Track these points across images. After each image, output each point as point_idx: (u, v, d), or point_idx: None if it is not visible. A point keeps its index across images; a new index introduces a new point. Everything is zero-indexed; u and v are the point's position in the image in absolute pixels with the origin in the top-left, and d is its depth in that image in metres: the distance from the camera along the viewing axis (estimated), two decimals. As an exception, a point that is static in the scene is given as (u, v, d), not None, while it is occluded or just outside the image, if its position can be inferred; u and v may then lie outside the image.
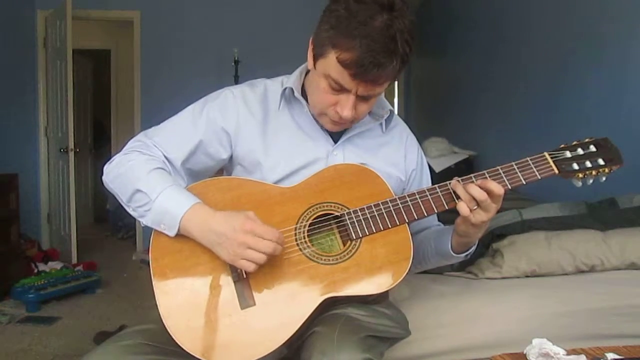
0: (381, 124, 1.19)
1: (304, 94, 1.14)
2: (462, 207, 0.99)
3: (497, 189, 0.98)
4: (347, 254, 1.01)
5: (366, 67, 0.94)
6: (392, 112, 1.19)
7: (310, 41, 1.05)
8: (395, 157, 1.20)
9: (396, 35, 0.93)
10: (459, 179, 1.03)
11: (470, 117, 4.25)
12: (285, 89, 1.13)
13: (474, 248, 1.13)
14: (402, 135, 1.23)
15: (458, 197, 1.01)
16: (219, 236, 0.94)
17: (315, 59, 1.03)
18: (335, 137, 1.14)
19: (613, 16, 2.49)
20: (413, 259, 1.05)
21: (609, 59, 2.50)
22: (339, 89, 1.00)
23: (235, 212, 0.96)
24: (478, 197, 0.98)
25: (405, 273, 1.00)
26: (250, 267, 0.92)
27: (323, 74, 1.01)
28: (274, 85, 1.17)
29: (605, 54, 2.53)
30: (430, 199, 1.04)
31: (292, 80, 1.15)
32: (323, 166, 1.11)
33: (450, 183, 1.04)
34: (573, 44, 2.81)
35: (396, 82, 5.84)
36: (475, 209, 0.99)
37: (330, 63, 0.98)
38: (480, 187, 0.98)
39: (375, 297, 1.07)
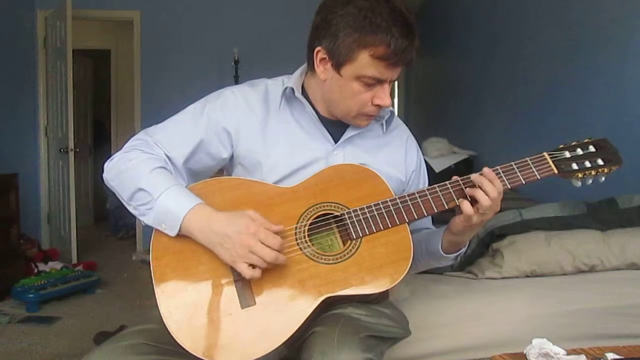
0: (382, 125, 1.19)
1: (304, 94, 1.14)
2: (466, 206, 1.00)
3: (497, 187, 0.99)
4: (347, 253, 1.01)
5: (404, 50, 0.98)
6: (392, 113, 1.20)
7: (317, 52, 1.05)
8: (396, 157, 1.20)
9: (402, 8, 0.98)
10: (459, 178, 1.04)
11: (470, 117, 4.25)
12: (285, 88, 1.13)
13: (464, 249, 1.14)
14: (402, 137, 1.24)
15: (459, 197, 1.02)
16: (221, 237, 0.94)
17: (338, 67, 1.03)
18: (336, 137, 1.15)
19: (613, 16, 2.49)
20: None
21: (609, 60, 2.50)
22: (374, 83, 1.03)
23: (237, 213, 0.96)
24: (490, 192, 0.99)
25: (406, 272, 1.00)
26: (249, 272, 0.92)
27: (354, 76, 1.02)
28: (275, 85, 1.17)
29: (605, 55, 2.53)
30: (430, 199, 1.04)
31: (292, 80, 1.15)
32: (323, 166, 1.11)
33: (450, 182, 1.04)
34: (573, 44, 2.81)
35: (396, 82, 5.83)
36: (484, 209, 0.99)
37: (363, 63, 1.00)
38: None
39: (376, 297, 1.07)
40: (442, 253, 1.11)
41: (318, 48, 1.05)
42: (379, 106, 1.06)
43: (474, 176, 1.02)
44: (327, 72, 1.06)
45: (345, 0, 1.00)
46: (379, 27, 0.96)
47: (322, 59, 1.05)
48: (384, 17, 0.96)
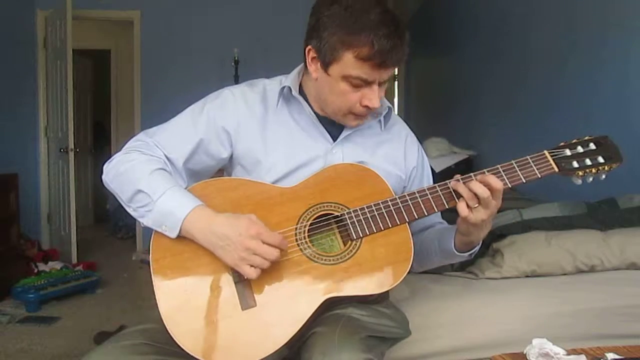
0: (380, 121, 1.19)
1: (302, 93, 1.14)
2: (462, 207, 0.99)
3: (496, 183, 0.97)
4: (348, 254, 1.01)
5: (389, 50, 0.97)
6: (390, 109, 1.20)
7: (309, 51, 1.06)
8: (395, 155, 1.20)
9: (395, 16, 0.99)
10: (460, 177, 1.03)
11: (470, 117, 4.25)
12: (283, 87, 1.13)
13: (477, 248, 1.12)
14: (401, 134, 1.23)
15: (459, 197, 1.01)
16: (222, 239, 0.94)
17: (325, 66, 1.03)
18: (334, 135, 1.14)
19: (614, 16, 2.48)
20: (416, 258, 1.06)
21: (609, 59, 2.50)
22: (361, 84, 1.02)
23: (238, 216, 0.96)
24: (480, 194, 0.97)
25: (406, 273, 1.00)
26: (253, 274, 0.93)
27: (341, 76, 1.02)
28: (273, 85, 1.17)
29: (606, 54, 2.52)
30: (431, 198, 1.04)
31: (290, 79, 1.15)
32: (322, 164, 1.11)
33: (450, 182, 1.04)
34: (573, 44, 2.81)
35: (396, 82, 5.85)
36: (475, 207, 0.99)
37: (348, 64, 1.00)
38: (481, 182, 0.98)
39: (376, 297, 1.07)
40: (455, 251, 1.09)
41: (309, 47, 1.06)
42: (367, 107, 1.05)
43: (475, 174, 1.02)
44: (318, 71, 1.07)
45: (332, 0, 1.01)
46: (363, 27, 0.96)
47: (313, 58, 1.06)
48: (371, 18, 0.97)
